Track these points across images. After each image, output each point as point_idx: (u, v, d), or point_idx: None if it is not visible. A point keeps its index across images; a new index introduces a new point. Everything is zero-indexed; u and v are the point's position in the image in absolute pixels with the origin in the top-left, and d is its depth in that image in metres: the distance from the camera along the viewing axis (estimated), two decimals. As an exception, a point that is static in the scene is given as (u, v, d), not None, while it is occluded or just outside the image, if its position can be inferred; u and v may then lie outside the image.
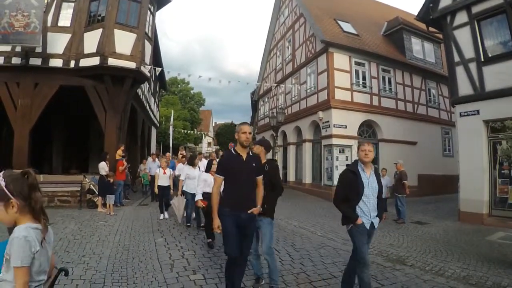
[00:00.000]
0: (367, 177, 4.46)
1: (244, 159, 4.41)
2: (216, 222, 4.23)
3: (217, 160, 8.61)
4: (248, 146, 4.48)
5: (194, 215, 9.58)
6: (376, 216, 4.52)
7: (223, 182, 4.49)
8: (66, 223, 9.56)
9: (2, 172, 2.04)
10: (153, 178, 13.82)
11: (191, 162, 9.66)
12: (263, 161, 5.06)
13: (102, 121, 13.92)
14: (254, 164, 4.49)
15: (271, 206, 5.04)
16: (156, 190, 11.23)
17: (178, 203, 9.72)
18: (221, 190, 4.58)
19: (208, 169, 8.17)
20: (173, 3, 19.33)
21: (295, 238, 8.52)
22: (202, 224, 8.81)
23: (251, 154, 4.55)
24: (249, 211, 4.34)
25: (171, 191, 11.60)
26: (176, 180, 12.41)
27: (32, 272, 1.96)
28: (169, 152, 26.77)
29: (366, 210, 4.42)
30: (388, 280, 5.61)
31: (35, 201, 2.06)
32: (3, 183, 1.98)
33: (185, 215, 9.71)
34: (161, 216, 10.73)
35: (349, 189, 4.45)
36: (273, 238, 5.37)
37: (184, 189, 9.34)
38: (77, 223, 9.69)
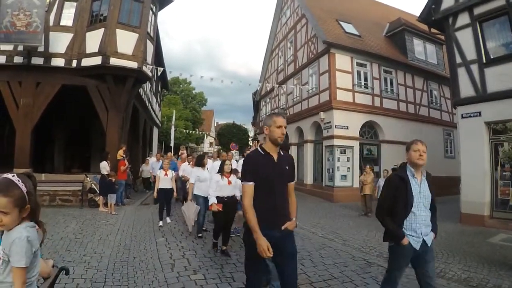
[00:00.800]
0: (418, 183, 3.67)
1: (276, 160, 3.48)
2: (264, 242, 3.10)
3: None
4: (280, 144, 3.51)
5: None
6: (431, 231, 3.72)
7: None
8: (67, 222, 9.58)
9: (14, 175, 1.97)
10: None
11: (200, 162, 8.78)
12: None
13: (104, 120, 13.95)
14: (287, 167, 3.57)
15: None
16: (155, 194, 10.27)
17: (188, 209, 8.43)
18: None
19: (220, 170, 7.29)
20: (175, 3, 19.30)
21: (295, 238, 8.51)
22: (204, 228, 8.73)
23: (282, 153, 3.59)
24: (282, 227, 3.39)
25: (174, 193, 10.46)
26: (178, 182, 12.33)
27: (27, 271, 1.97)
28: (171, 152, 26.79)
29: (416, 225, 3.60)
30: (389, 281, 5.60)
31: (36, 204, 2.06)
32: (24, 189, 1.94)
33: (193, 223, 8.59)
34: (160, 223, 9.64)
35: (395, 199, 3.63)
36: None
37: (194, 192, 8.44)
38: (78, 222, 9.70)
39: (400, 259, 3.69)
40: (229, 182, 7.07)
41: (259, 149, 3.55)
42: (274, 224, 3.34)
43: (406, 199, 3.55)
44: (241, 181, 3.46)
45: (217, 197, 6.85)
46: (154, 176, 13.52)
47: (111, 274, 5.57)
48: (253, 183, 3.34)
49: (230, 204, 7.05)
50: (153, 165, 15.35)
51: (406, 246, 3.55)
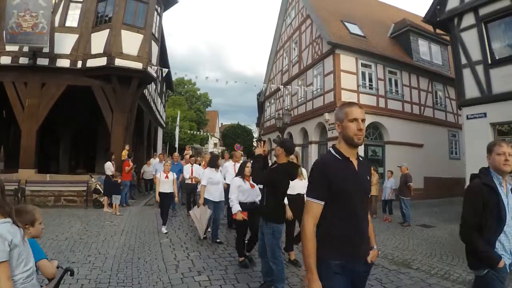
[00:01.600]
0: (505, 193, 3.01)
1: (357, 168, 2.55)
2: (317, 286, 2.26)
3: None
4: (361, 145, 2.62)
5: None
6: None
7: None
8: (72, 223, 9.61)
9: None
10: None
11: (214, 163, 8.14)
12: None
13: (109, 121, 13.98)
14: (368, 177, 2.66)
15: (275, 209, 4.87)
16: (157, 197, 9.28)
17: (200, 214, 7.70)
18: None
19: (240, 173, 6.56)
20: (180, 3, 19.34)
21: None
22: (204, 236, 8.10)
23: (361, 158, 2.66)
24: (369, 259, 2.54)
25: (176, 198, 9.90)
26: (182, 184, 12.48)
27: (13, 265, 1.99)
28: (176, 152, 26.74)
29: (507, 244, 2.98)
30: (393, 283, 5.60)
31: (5, 203, 2.15)
32: None
33: (209, 229, 8.11)
34: (164, 229, 8.90)
35: (482, 213, 2.93)
36: (278, 247, 4.81)
37: (205, 196, 7.74)
38: (83, 222, 9.74)
39: (499, 286, 2.98)
40: (252, 186, 6.41)
41: (333, 152, 2.58)
42: (357, 256, 2.48)
43: (499, 214, 2.92)
44: (306, 196, 2.51)
45: (240, 204, 6.12)
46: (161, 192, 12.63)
47: (116, 275, 5.60)
48: (322, 202, 2.42)
49: (253, 208, 6.27)
50: (156, 166, 13.90)
51: (502, 269, 2.93)
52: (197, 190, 10.10)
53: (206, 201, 7.72)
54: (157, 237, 8.34)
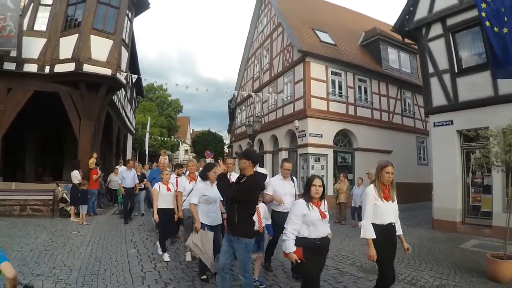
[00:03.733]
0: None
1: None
2: None
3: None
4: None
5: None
6: None
7: None
8: (38, 233, 9.33)
9: None
10: (128, 192, 11.69)
11: (206, 175, 6.02)
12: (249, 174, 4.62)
13: (76, 128, 13.73)
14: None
15: (247, 224, 4.58)
16: (156, 216, 7.32)
17: (201, 241, 5.51)
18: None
19: (306, 194, 4.23)
20: (151, 9, 19.19)
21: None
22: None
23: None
24: None
25: (176, 215, 7.65)
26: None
27: None
28: (146, 159, 26.36)
29: None
30: (361, 291, 5.61)
31: None
32: None
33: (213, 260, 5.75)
34: (166, 256, 7.19)
35: None
36: (250, 261, 4.64)
37: (201, 220, 5.76)
38: (49, 233, 9.46)
39: None
40: (324, 216, 4.19)
41: None
42: None
43: None
44: None
45: (301, 239, 4.05)
46: (125, 189, 11.69)
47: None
48: None
49: (323, 248, 4.27)
50: (123, 174, 12.01)
51: None
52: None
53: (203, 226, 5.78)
54: (125, 247, 8.18)
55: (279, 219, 5.89)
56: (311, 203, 4.15)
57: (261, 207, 5.95)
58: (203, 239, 5.50)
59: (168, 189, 7.65)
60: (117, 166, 15.38)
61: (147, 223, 11.25)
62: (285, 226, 4.17)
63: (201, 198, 5.85)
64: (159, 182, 7.83)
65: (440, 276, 6.27)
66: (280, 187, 6.46)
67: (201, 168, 6.90)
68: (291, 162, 6.54)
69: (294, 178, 6.87)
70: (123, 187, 11.74)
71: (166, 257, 7.15)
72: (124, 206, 11.96)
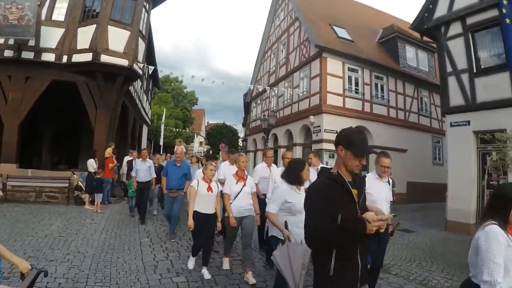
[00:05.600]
0: None
1: None
2: None
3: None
4: None
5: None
6: None
7: None
8: (52, 220, 9.48)
9: None
10: (141, 187, 10.11)
11: (296, 176, 4.52)
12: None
13: (93, 118, 13.87)
14: None
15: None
16: (191, 221, 5.72)
17: (288, 254, 3.82)
18: None
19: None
20: (169, 1, 19.24)
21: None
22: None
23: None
24: None
25: (218, 224, 5.99)
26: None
27: None
28: (161, 151, 26.42)
29: None
30: (372, 288, 5.60)
31: None
32: None
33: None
34: (206, 274, 5.67)
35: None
36: None
37: (272, 233, 4.56)
38: (63, 220, 9.60)
39: None
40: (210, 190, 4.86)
41: None
42: None
43: None
44: None
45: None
46: (138, 183, 10.15)
47: (94, 274, 5.54)
48: None
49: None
50: (136, 166, 10.47)
51: None
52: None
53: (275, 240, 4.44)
54: (138, 236, 8.28)
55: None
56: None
57: None
58: (293, 252, 3.79)
59: (210, 188, 5.96)
60: (126, 157, 14.70)
61: (160, 212, 11.32)
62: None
63: (282, 205, 4.37)
64: (198, 179, 6.12)
65: (452, 278, 6.24)
66: (376, 190, 4.93)
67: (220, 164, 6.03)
68: (389, 157, 5.25)
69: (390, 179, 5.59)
70: (137, 181, 10.08)
71: (205, 273, 5.69)
72: (136, 202, 10.53)
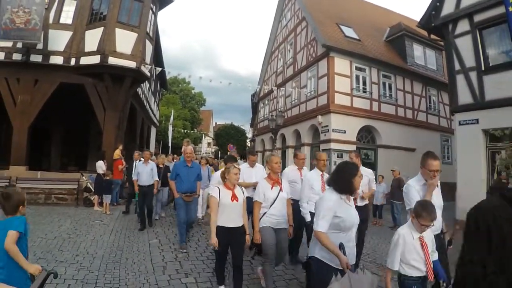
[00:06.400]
0: None
1: None
2: None
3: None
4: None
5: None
6: None
7: None
8: (62, 221, 9.54)
9: None
10: (143, 191, 9.39)
11: (348, 183, 3.56)
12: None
13: (101, 119, 13.96)
14: None
15: None
16: (214, 239, 4.54)
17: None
18: None
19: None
20: (175, 2, 19.29)
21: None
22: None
23: None
24: None
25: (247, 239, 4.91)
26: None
27: None
28: (169, 152, 26.38)
29: None
30: (381, 288, 5.57)
31: None
32: None
33: None
34: None
35: None
36: None
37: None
38: (72, 221, 9.65)
39: None
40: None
41: None
42: None
43: None
44: None
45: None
46: (140, 187, 9.46)
47: (103, 275, 5.57)
48: None
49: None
50: (138, 169, 9.68)
51: None
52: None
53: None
54: (146, 237, 8.29)
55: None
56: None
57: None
58: (354, 285, 2.95)
59: (235, 196, 4.77)
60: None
61: (169, 214, 11.35)
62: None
63: (340, 224, 3.47)
64: (219, 186, 4.92)
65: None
66: (434, 199, 4.31)
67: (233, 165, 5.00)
68: (438, 159, 4.46)
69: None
70: (138, 185, 9.42)
71: None
72: (140, 208, 9.51)
